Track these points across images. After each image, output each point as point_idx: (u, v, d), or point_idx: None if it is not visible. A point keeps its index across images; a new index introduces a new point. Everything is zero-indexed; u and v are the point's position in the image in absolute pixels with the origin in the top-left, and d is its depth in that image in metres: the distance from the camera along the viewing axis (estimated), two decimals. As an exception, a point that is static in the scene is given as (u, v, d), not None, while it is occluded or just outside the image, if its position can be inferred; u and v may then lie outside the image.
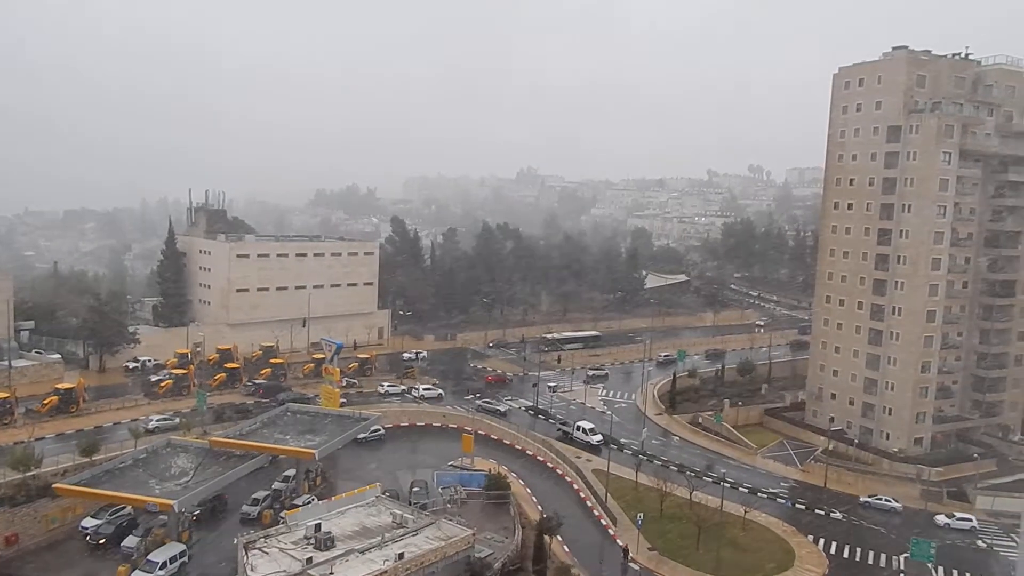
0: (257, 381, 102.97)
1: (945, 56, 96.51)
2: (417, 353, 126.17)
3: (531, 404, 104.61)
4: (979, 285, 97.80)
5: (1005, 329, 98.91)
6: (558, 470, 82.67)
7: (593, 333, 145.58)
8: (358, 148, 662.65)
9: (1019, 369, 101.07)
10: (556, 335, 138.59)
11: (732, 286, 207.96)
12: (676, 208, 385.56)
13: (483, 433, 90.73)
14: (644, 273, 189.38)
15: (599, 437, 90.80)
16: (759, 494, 79.82)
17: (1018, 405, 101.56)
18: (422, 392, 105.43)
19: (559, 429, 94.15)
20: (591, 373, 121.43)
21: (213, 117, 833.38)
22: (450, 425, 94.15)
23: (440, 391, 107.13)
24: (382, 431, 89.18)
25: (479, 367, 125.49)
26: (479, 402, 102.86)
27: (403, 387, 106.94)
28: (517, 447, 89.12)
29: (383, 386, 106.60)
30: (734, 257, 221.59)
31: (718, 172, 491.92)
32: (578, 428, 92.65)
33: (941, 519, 77.31)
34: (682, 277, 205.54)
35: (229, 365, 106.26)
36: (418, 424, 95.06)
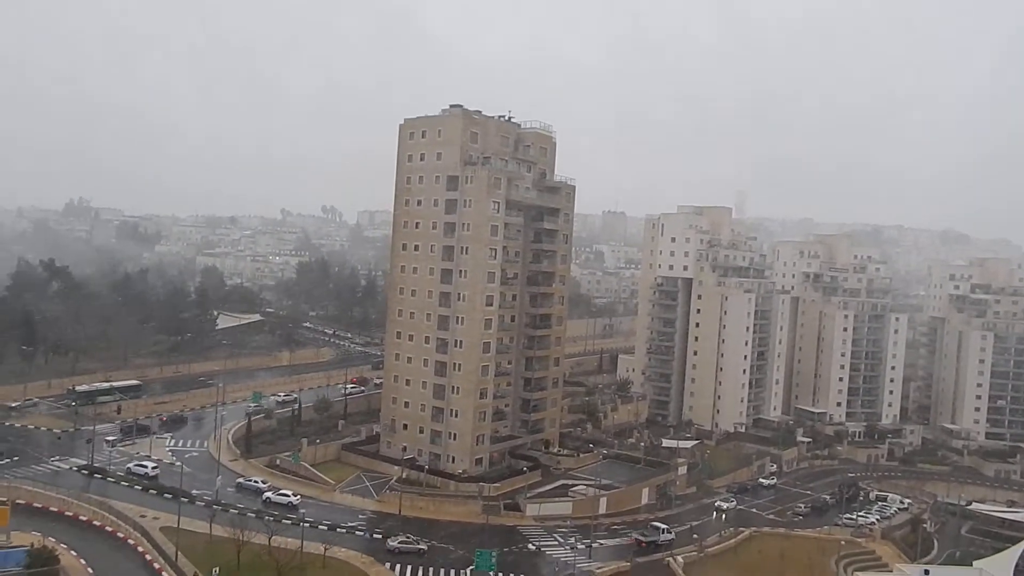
0: None
1: (493, 117, 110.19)
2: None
3: (85, 463, 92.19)
4: (523, 319, 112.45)
5: (544, 356, 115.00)
6: (119, 533, 73.60)
7: (132, 382, 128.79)
8: None
9: (555, 391, 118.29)
10: (86, 387, 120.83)
11: (307, 324, 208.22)
12: (249, 246, 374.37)
13: (23, 502, 77.22)
14: (216, 313, 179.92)
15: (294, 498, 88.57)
16: (338, 529, 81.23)
17: (556, 422, 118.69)
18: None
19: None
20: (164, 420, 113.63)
21: None
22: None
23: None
24: None
25: (12, 425, 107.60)
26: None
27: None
28: (68, 514, 77.20)
29: None
30: (309, 296, 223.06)
31: (292, 212, 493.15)
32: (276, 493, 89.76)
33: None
34: (256, 317, 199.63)
35: None
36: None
